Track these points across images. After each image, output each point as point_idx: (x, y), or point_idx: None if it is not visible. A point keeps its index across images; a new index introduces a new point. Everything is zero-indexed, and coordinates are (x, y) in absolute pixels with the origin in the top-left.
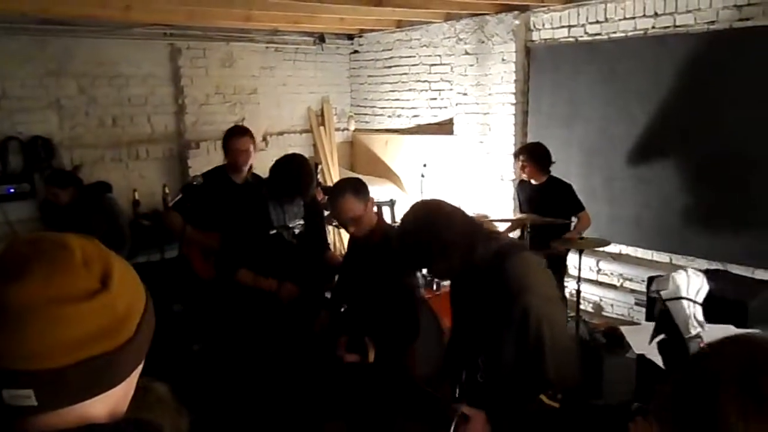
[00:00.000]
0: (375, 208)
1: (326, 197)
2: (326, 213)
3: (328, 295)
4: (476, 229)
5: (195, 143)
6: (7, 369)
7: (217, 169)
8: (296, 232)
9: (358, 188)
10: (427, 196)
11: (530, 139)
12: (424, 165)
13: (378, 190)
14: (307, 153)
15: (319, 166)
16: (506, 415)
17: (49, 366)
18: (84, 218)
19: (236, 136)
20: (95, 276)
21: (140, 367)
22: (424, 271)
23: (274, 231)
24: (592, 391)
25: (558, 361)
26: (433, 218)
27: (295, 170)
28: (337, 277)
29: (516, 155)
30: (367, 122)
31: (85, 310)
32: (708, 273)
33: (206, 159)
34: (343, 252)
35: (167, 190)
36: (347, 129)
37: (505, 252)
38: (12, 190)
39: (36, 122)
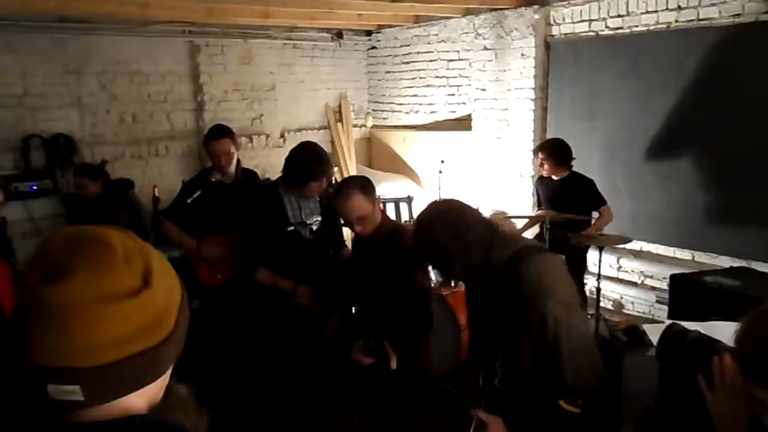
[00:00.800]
0: (381, 206)
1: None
2: None
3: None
4: (494, 231)
5: None
6: (54, 366)
7: (205, 173)
8: (314, 229)
9: (367, 187)
10: (445, 193)
11: (549, 135)
12: (442, 161)
13: (395, 187)
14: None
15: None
16: (524, 421)
17: (95, 363)
18: (109, 213)
19: (215, 139)
20: (137, 273)
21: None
22: (435, 273)
23: (292, 228)
24: (611, 389)
25: (578, 367)
26: (452, 218)
27: (307, 156)
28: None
29: (535, 152)
30: (384, 119)
31: (129, 309)
32: (731, 271)
33: None
34: None
35: None
36: (365, 125)
37: (522, 255)
38: (35, 187)
39: (58, 120)
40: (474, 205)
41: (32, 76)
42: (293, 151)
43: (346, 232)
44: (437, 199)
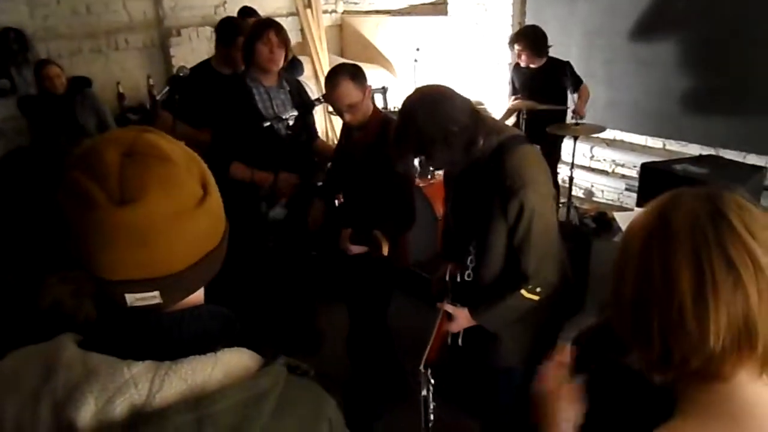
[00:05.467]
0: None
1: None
2: (315, 98)
3: (320, 184)
4: (480, 120)
5: (176, 30)
6: (133, 279)
7: (203, 64)
8: (290, 124)
9: (356, 74)
10: (422, 82)
11: (528, 20)
12: (417, 49)
13: (369, 77)
14: (294, 38)
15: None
16: (487, 309)
17: (173, 270)
18: (72, 115)
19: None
20: (197, 182)
21: None
22: (417, 161)
23: (268, 123)
24: (579, 273)
25: (540, 258)
26: (438, 106)
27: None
28: (329, 167)
29: (511, 43)
30: (356, 3)
31: (198, 217)
32: (700, 159)
33: (189, 47)
34: (335, 141)
35: (152, 82)
36: (335, 11)
37: (507, 145)
38: None
39: (4, 12)
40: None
41: None
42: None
43: (331, 123)
44: (424, 84)
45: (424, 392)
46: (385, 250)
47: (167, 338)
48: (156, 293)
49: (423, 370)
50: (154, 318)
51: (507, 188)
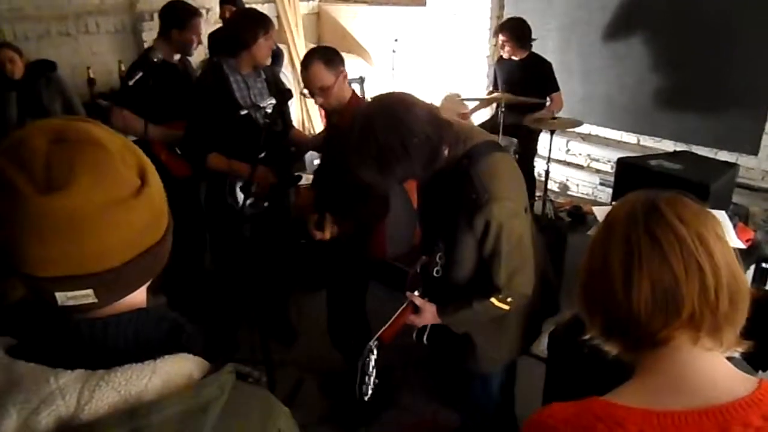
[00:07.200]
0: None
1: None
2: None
3: (297, 173)
4: (444, 129)
5: (149, 14)
6: (64, 275)
7: (144, 60)
8: (268, 113)
9: (330, 57)
10: (400, 72)
11: (507, 12)
12: (396, 39)
13: (346, 67)
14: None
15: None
16: (456, 312)
17: (107, 267)
18: (37, 99)
19: (198, 16)
20: (133, 172)
21: None
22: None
23: (245, 112)
24: (554, 266)
25: (511, 271)
26: (398, 115)
27: (248, 15)
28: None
29: (496, 32)
30: None
31: (135, 208)
32: (674, 154)
33: None
34: (312, 131)
35: (123, 67)
36: None
37: (474, 155)
38: None
39: None
40: (425, 99)
41: None
42: (230, 21)
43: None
44: (381, 93)
45: (365, 361)
46: (327, 234)
47: (101, 345)
48: (89, 291)
49: (371, 345)
50: (87, 323)
51: (472, 202)
